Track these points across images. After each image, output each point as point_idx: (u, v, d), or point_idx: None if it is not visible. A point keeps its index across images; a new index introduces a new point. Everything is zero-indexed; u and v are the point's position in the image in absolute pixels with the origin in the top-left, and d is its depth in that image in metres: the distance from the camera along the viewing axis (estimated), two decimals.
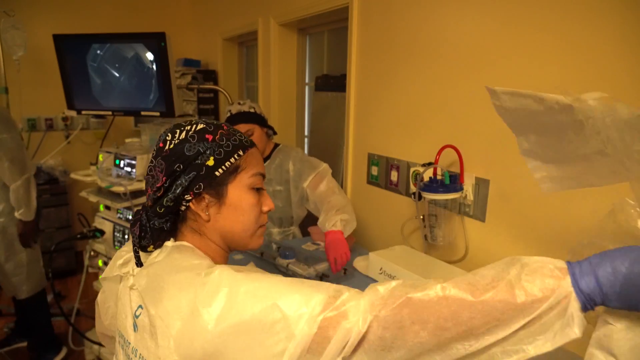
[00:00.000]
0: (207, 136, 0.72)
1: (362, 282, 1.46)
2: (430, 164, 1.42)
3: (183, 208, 0.73)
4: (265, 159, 1.86)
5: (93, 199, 2.36)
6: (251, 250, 0.81)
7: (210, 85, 3.36)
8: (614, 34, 1.00)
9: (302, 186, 1.77)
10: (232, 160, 0.73)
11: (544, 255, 1.23)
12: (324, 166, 1.77)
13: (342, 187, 2.19)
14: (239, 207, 0.74)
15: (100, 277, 0.81)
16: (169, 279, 0.64)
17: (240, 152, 0.74)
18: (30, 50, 2.91)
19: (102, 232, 2.28)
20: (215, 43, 3.48)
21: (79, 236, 2.26)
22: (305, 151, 2.92)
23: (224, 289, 0.59)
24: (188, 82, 3.20)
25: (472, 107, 1.37)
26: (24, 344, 2.46)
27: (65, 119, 3.53)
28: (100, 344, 2.27)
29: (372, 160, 1.88)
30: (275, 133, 1.89)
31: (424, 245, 1.56)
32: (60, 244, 2.47)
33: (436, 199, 1.37)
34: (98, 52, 2.47)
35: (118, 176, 2.25)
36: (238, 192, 0.74)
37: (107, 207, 2.42)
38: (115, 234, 2.26)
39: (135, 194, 2.28)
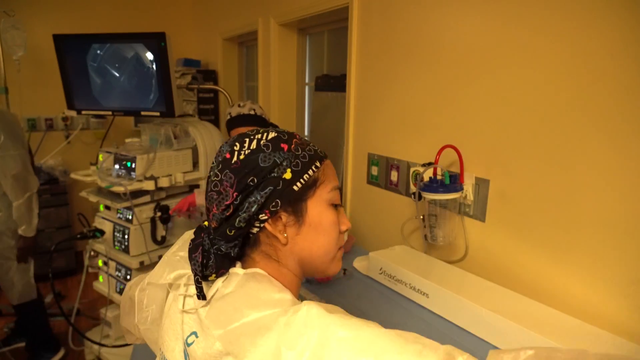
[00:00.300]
0: (282, 145, 0.63)
1: (361, 282, 1.46)
2: (430, 164, 1.42)
3: (256, 230, 0.63)
4: None
5: (93, 199, 2.36)
6: (330, 275, 0.73)
7: (210, 85, 3.36)
8: (615, 35, 1.00)
9: None
10: (311, 172, 0.64)
11: (543, 254, 1.24)
12: None
13: (342, 187, 2.19)
14: (319, 226, 0.65)
15: (146, 280, 0.76)
16: (249, 318, 0.56)
17: (318, 164, 0.65)
18: (30, 50, 2.91)
19: (102, 232, 2.28)
20: (215, 43, 3.48)
21: (79, 236, 2.26)
22: None
23: (314, 331, 0.51)
24: (188, 82, 3.20)
25: (472, 107, 1.37)
26: (24, 344, 2.46)
27: (65, 119, 3.53)
28: (100, 344, 2.27)
29: (372, 160, 1.88)
30: None
31: (424, 245, 1.56)
32: (60, 244, 2.47)
33: (436, 199, 1.37)
34: (98, 52, 2.47)
35: (118, 176, 2.25)
36: (318, 209, 0.65)
37: (107, 207, 2.42)
38: (115, 234, 2.26)
39: (136, 194, 2.28)
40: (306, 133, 2.91)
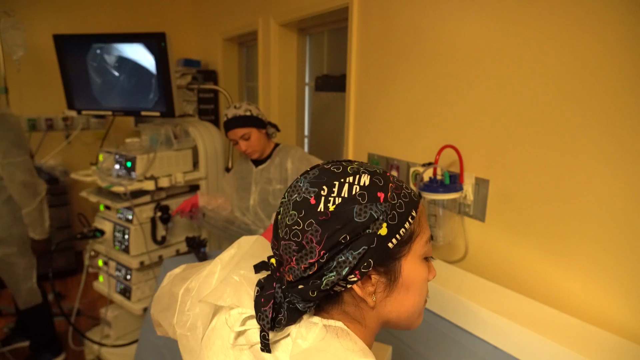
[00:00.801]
0: (378, 194, 0.53)
1: None
2: (430, 164, 1.42)
3: (339, 289, 0.55)
4: (265, 159, 1.88)
5: (93, 199, 2.36)
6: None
7: (210, 86, 3.36)
8: (615, 35, 1.00)
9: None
10: (407, 225, 0.55)
11: (543, 254, 1.24)
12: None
13: None
14: (412, 285, 0.57)
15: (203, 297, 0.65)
16: None
17: (414, 213, 0.56)
18: (30, 50, 2.91)
19: (102, 232, 2.28)
20: (215, 43, 3.48)
21: (79, 236, 2.26)
22: (305, 151, 2.92)
23: None
24: (188, 82, 3.20)
25: (472, 107, 1.37)
26: (25, 343, 2.47)
27: (65, 119, 3.53)
28: (100, 344, 2.27)
29: (372, 160, 1.88)
30: (278, 130, 1.90)
31: None
32: (60, 244, 2.47)
33: (436, 199, 1.37)
34: (98, 52, 2.48)
35: (118, 176, 2.26)
36: (413, 266, 0.57)
37: (107, 207, 2.42)
38: (116, 234, 2.26)
39: (136, 194, 2.28)
40: (306, 133, 2.91)
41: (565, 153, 1.13)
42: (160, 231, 2.39)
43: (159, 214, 2.35)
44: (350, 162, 0.57)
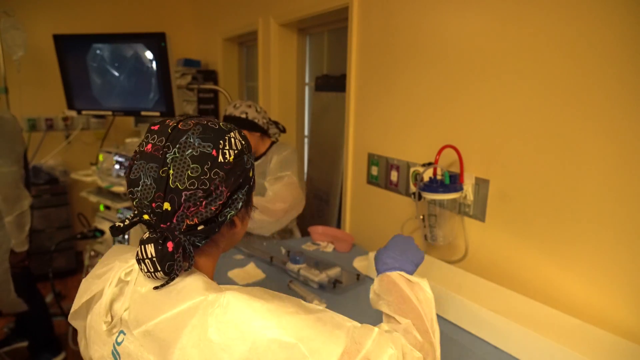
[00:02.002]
0: (250, 146, 0.70)
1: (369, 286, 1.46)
2: (430, 164, 1.42)
3: (222, 220, 0.66)
4: (261, 156, 1.94)
5: (93, 199, 2.36)
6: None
7: (210, 86, 3.36)
8: (614, 35, 1.00)
9: (266, 179, 1.84)
10: (253, 165, 0.72)
11: (543, 254, 1.24)
12: (287, 174, 1.81)
13: (342, 187, 2.19)
14: (250, 209, 0.75)
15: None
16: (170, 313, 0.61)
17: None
18: (30, 50, 2.90)
19: (102, 232, 2.28)
20: (215, 43, 3.48)
21: (79, 236, 2.26)
22: (305, 151, 2.92)
23: (235, 319, 0.57)
24: (188, 82, 3.20)
25: (472, 107, 1.37)
26: (24, 344, 2.46)
27: (65, 119, 3.53)
28: None
29: (372, 160, 1.88)
30: (283, 131, 1.94)
31: (424, 245, 1.56)
32: (60, 244, 2.47)
33: (436, 199, 1.37)
34: (98, 52, 2.47)
35: (118, 176, 2.26)
36: (253, 193, 0.74)
37: (107, 207, 2.42)
38: None
39: None
40: (306, 133, 2.91)
41: (565, 153, 1.13)
42: None
43: None
44: (206, 117, 0.70)
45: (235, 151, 0.66)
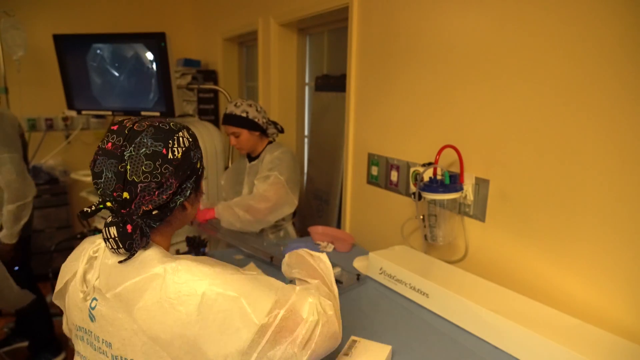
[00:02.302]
0: (197, 143, 0.84)
1: (371, 287, 1.46)
2: (430, 164, 1.42)
3: (173, 205, 0.80)
4: (256, 157, 1.98)
5: (93, 199, 2.36)
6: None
7: (210, 85, 3.36)
8: (614, 35, 1.00)
9: (257, 177, 1.87)
10: (201, 157, 0.86)
11: (543, 254, 1.24)
12: (274, 174, 1.84)
13: (342, 187, 2.19)
14: (200, 193, 0.89)
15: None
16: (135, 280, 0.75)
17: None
18: (30, 50, 2.91)
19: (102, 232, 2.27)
20: (215, 43, 3.48)
21: (79, 236, 2.26)
22: (305, 151, 2.92)
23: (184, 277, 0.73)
24: (188, 82, 3.19)
25: (472, 107, 1.37)
26: (24, 344, 2.47)
27: (65, 119, 3.53)
28: None
29: (372, 160, 1.88)
30: (281, 131, 1.99)
31: (424, 245, 1.56)
32: (60, 244, 2.47)
33: (436, 199, 1.37)
34: (98, 52, 2.47)
35: None
36: (201, 182, 0.89)
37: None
38: None
39: None
40: (306, 133, 2.91)
41: (565, 152, 1.13)
42: None
43: None
44: (158, 119, 0.81)
45: (183, 148, 0.78)
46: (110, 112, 2.57)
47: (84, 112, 2.59)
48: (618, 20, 0.99)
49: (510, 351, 1.05)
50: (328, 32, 2.55)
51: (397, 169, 1.73)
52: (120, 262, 0.75)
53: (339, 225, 2.41)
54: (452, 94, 1.44)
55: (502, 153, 1.29)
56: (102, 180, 0.74)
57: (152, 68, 2.41)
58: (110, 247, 0.75)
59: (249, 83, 3.55)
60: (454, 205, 1.41)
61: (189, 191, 0.81)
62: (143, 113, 2.52)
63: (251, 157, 2.02)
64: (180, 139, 0.78)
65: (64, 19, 3.45)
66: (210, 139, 2.61)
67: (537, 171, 1.20)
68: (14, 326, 2.58)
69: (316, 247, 1.82)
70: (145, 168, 0.73)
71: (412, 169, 1.56)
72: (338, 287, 1.37)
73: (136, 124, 0.76)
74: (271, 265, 1.60)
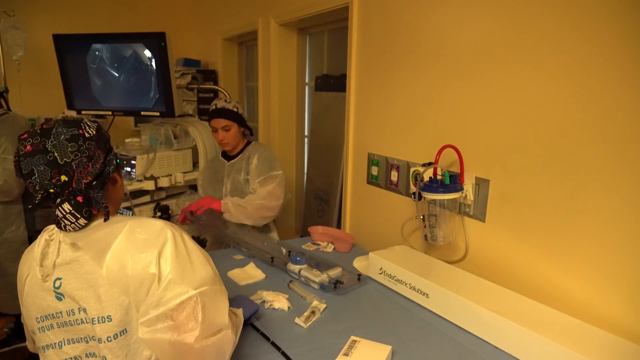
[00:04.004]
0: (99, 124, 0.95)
1: (371, 287, 1.46)
2: (430, 164, 1.42)
3: (107, 175, 0.91)
4: (237, 154, 2.05)
5: None
6: None
7: (210, 85, 3.36)
8: (614, 35, 1.00)
9: (255, 182, 1.94)
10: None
11: (543, 254, 1.24)
12: (277, 173, 1.95)
13: (342, 187, 2.19)
14: (120, 170, 1.00)
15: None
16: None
17: None
18: (30, 50, 2.91)
19: None
20: (215, 43, 3.48)
21: None
22: (305, 151, 2.93)
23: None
24: (188, 82, 3.20)
25: (472, 107, 1.37)
26: (24, 344, 2.46)
27: None
28: None
29: (372, 160, 1.88)
30: (251, 134, 2.11)
31: (424, 245, 1.56)
32: None
33: (436, 199, 1.37)
34: (97, 52, 2.47)
35: None
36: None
37: None
38: None
39: (135, 194, 2.28)
40: (306, 133, 2.91)
41: (565, 152, 1.13)
42: None
43: (158, 214, 2.35)
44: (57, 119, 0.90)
45: (94, 128, 0.89)
46: (110, 112, 2.57)
47: (84, 112, 2.59)
48: (619, 20, 0.99)
49: (510, 351, 1.05)
50: (328, 32, 2.55)
51: (397, 169, 1.73)
52: (81, 227, 0.85)
53: (339, 225, 2.41)
54: (453, 94, 1.44)
55: (502, 153, 1.29)
56: (36, 175, 0.82)
57: (152, 68, 2.41)
58: (68, 223, 0.83)
59: (248, 83, 3.55)
60: (454, 205, 1.41)
61: (114, 161, 0.92)
62: (143, 113, 2.52)
63: (228, 156, 2.08)
64: (87, 122, 0.89)
65: (64, 19, 3.45)
66: (209, 138, 2.61)
67: (537, 171, 1.20)
68: (14, 326, 2.57)
69: (317, 247, 1.82)
70: (71, 149, 0.83)
71: (412, 169, 1.56)
72: (339, 287, 1.38)
73: (44, 125, 0.86)
74: (272, 265, 1.60)
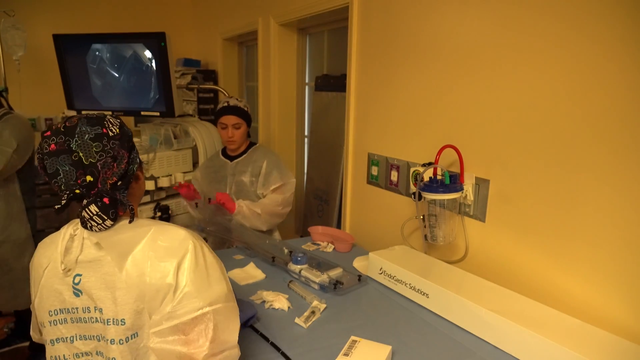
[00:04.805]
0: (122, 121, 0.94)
1: (371, 287, 1.46)
2: (430, 164, 1.42)
3: (131, 174, 0.90)
4: (240, 154, 2.07)
5: None
6: None
7: (210, 85, 3.36)
8: (614, 35, 1.00)
9: (269, 189, 1.97)
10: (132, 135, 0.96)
11: (543, 255, 1.24)
12: (292, 181, 1.99)
13: (342, 187, 2.19)
14: (142, 166, 0.98)
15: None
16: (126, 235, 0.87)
17: None
18: (30, 50, 2.90)
19: None
20: (215, 43, 3.48)
21: None
22: (305, 151, 2.93)
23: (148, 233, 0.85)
24: (188, 82, 3.20)
25: (472, 107, 1.37)
26: (25, 344, 2.46)
27: None
28: None
29: (372, 160, 1.88)
30: (249, 136, 2.13)
31: (424, 245, 1.56)
32: None
33: (436, 199, 1.37)
34: (97, 52, 2.48)
35: None
36: None
37: None
38: None
39: None
40: (306, 133, 2.91)
41: (565, 152, 1.13)
42: None
43: (158, 214, 2.35)
44: (80, 115, 0.89)
45: (117, 125, 0.88)
46: (110, 112, 2.56)
47: (83, 112, 2.58)
48: (619, 20, 0.99)
49: (510, 351, 1.05)
50: (328, 32, 2.55)
51: (397, 169, 1.73)
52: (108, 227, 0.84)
53: (339, 225, 2.41)
54: (453, 94, 1.44)
55: (502, 153, 1.29)
56: (61, 175, 0.81)
57: (152, 68, 2.41)
58: (95, 224, 0.82)
59: (248, 83, 3.55)
60: (454, 205, 1.41)
61: (137, 159, 0.92)
62: (143, 113, 2.52)
63: (230, 156, 2.08)
64: (110, 119, 0.89)
65: (64, 19, 3.45)
66: (210, 138, 2.61)
67: (537, 171, 1.20)
68: (14, 326, 2.57)
69: (317, 247, 1.82)
70: (96, 149, 0.82)
71: (412, 169, 1.56)
72: (339, 288, 1.38)
73: (67, 122, 0.84)
74: (272, 265, 1.60)
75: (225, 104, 1.98)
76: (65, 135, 0.82)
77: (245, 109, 1.99)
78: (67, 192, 0.82)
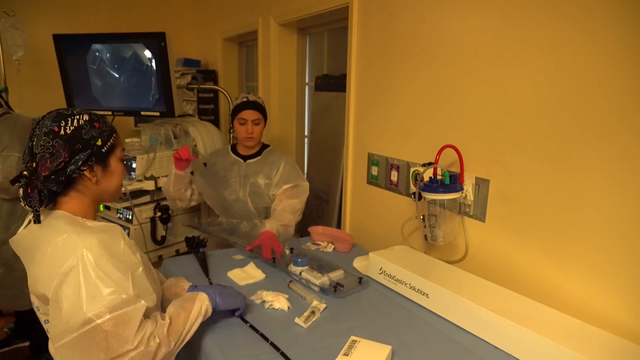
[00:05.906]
0: (95, 124, 1.00)
1: (371, 287, 1.46)
2: (430, 164, 1.42)
3: (75, 175, 0.97)
4: (254, 155, 2.00)
5: None
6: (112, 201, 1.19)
7: (210, 85, 3.36)
8: (613, 35, 1.00)
9: (281, 189, 1.92)
10: (111, 140, 1.03)
11: (543, 254, 1.24)
12: (306, 185, 1.94)
13: (342, 187, 2.19)
14: (115, 172, 1.06)
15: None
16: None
17: (114, 135, 1.05)
18: (30, 50, 2.90)
19: None
20: (215, 43, 3.48)
21: None
22: (305, 151, 2.93)
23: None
24: (188, 82, 3.20)
25: (472, 107, 1.37)
26: (25, 343, 2.46)
27: None
28: None
29: (372, 160, 1.88)
30: None
31: (424, 245, 1.56)
32: None
33: (436, 199, 1.37)
34: (97, 53, 2.48)
35: None
36: (115, 162, 1.06)
37: (107, 207, 2.42)
38: None
39: (135, 194, 2.28)
40: (306, 133, 2.91)
41: (565, 153, 1.13)
42: (160, 231, 2.39)
43: (158, 214, 2.35)
44: (69, 108, 1.00)
45: (74, 127, 0.96)
46: (110, 112, 2.57)
47: None
48: (619, 20, 0.99)
49: (510, 351, 1.05)
50: (328, 32, 2.55)
51: (397, 169, 1.73)
52: (34, 222, 0.94)
53: (339, 225, 2.41)
54: (453, 94, 1.44)
55: (502, 153, 1.29)
56: (26, 153, 0.96)
57: (152, 68, 2.41)
58: (23, 204, 0.93)
59: (248, 83, 3.55)
60: (454, 205, 1.41)
61: (80, 162, 0.96)
62: (143, 113, 2.52)
63: (243, 156, 2.00)
64: (75, 120, 0.97)
65: (64, 19, 3.45)
66: (210, 138, 2.61)
67: (537, 171, 1.20)
68: (14, 326, 2.58)
69: (317, 247, 1.82)
70: (42, 142, 0.93)
71: (412, 169, 1.56)
72: (339, 290, 1.37)
73: (49, 113, 0.97)
74: (273, 266, 1.59)
75: (245, 99, 1.92)
76: (36, 124, 0.97)
77: (264, 106, 1.96)
78: (22, 170, 0.95)
